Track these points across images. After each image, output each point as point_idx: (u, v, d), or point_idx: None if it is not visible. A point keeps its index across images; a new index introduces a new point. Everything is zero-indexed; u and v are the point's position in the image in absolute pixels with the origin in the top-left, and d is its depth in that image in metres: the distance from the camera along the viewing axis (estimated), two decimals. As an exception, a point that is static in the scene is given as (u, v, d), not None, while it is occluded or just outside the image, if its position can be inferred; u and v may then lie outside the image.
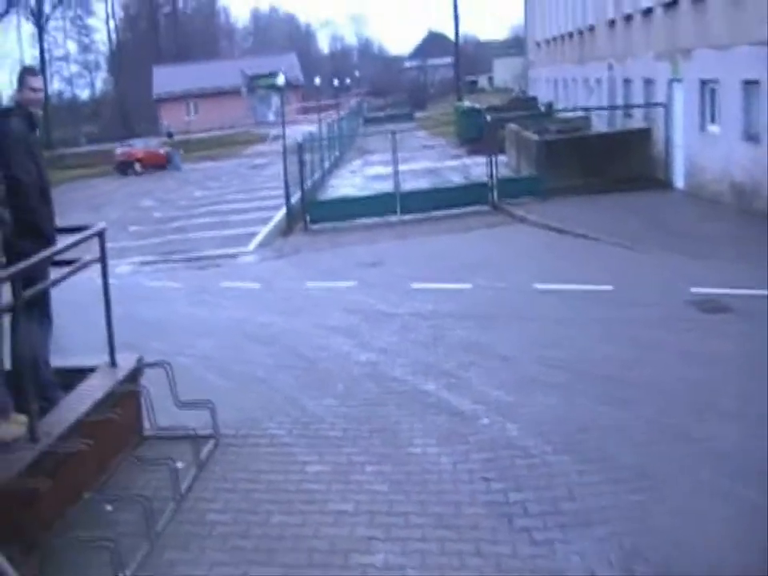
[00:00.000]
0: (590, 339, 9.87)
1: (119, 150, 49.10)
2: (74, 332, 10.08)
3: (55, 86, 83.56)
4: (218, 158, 50.45)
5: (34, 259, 6.16)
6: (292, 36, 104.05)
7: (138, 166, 46.84)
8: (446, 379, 8.79)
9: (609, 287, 12.03)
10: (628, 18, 25.88)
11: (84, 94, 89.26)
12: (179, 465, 6.79)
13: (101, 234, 7.18)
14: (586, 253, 15.04)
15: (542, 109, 36.91)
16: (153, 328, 12.19)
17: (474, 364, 9.23)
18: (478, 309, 11.73)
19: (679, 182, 20.94)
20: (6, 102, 6.89)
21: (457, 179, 26.42)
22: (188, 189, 36.38)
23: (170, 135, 53.11)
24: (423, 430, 7.52)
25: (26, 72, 7.11)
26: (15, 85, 6.91)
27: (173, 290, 15.87)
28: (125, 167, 47.06)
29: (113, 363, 7.48)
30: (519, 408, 7.85)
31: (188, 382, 8.27)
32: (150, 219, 27.90)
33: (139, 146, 49.23)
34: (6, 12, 70.07)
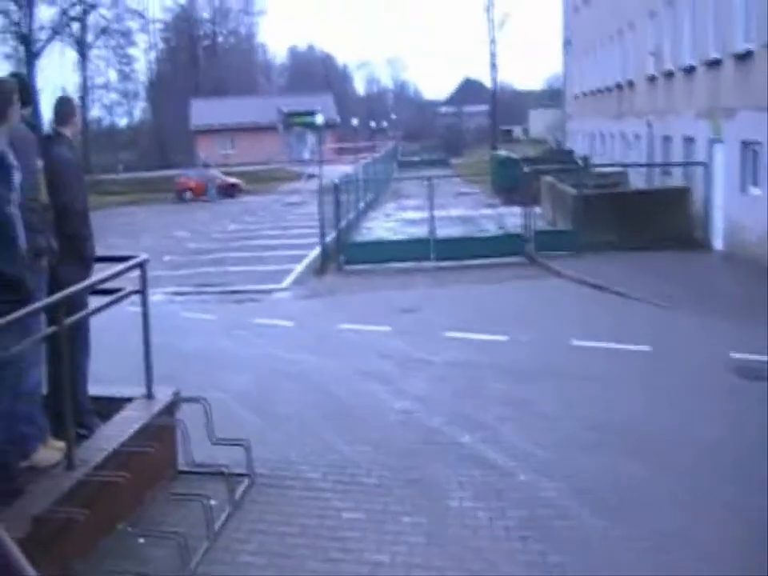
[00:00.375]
0: (629, 400, 9.76)
1: (181, 178, 50.74)
2: (110, 360, 10.04)
3: (95, 113, 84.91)
4: (252, 192, 50.78)
5: (78, 287, 6.20)
6: (329, 75, 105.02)
7: (188, 194, 48.88)
8: (482, 432, 8.72)
9: (647, 348, 11.92)
10: (669, 74, 25.95)
11: (122, 122, 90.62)
12: (213, 502, 6.73)
13: (142, 266, 7.23)
14: (622, 311, 14.94)
15: (579, 162, 36.98)
16: (188, 360, 12.21)
17: (511, 418, 9.16)
18: (514, 362, 11.67)
19: (717, 242, 20.84)
20: (47, 128, 6.96)
21: (491, 228, 26.40)
22: (222, 222, 36.58)
23: (206, 167, 53.66)
24: (459, 483, 7.44)
25: (73, 102, 7.21)
26: (55, 111, 6.97)
27: (207, 322, 15.90)
28: (181, 194, 49.32)
29: (149, 395, 7.48)
30: (556, 466, 7.75)
31: (222, 418, 8.21)
32: (185, 250, 28.04)
33: (193, 176, 50.88)
34: (51, 39, 71.43)
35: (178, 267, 23.73)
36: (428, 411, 9.52)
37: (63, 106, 6.92)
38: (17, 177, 5.55)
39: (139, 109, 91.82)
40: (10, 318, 5.24)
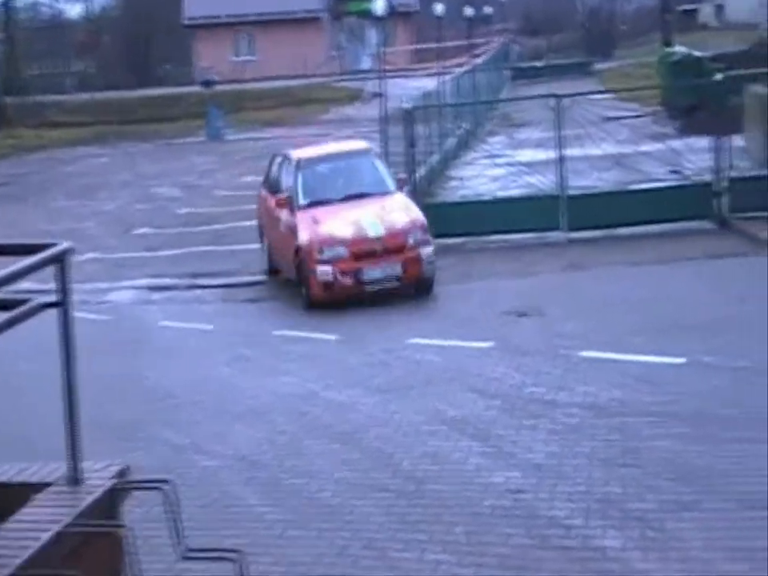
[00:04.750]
0: None
1: None
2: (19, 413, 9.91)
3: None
4: (281, 123, 50.83)
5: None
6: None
7: None
8: (640, 529, 8.18)
9: None
10: None
11: (74, 12, 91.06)
12: None
13: (61, 260, 6.67)
14: None
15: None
16: (163, 401, 12.24)
17: (695, 508, 8.58)
18: (699, 404, 11.09)
19: None
20: None
21: (659, 174, 25.82)
22: (233, 170, 36.63)
23: (207, 84, 53.88)
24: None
25: None
26: None
27: (200, 335, 15.99)
28: None
29: (75, 478, 7.09)
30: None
31: (210, 505, 8.36)
32: (170, 217, 28.07)
33: None
34: None
35: (158, 246, 23.89)
36: (548, 490, 9.13)
37: None
38: None
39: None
40: None
